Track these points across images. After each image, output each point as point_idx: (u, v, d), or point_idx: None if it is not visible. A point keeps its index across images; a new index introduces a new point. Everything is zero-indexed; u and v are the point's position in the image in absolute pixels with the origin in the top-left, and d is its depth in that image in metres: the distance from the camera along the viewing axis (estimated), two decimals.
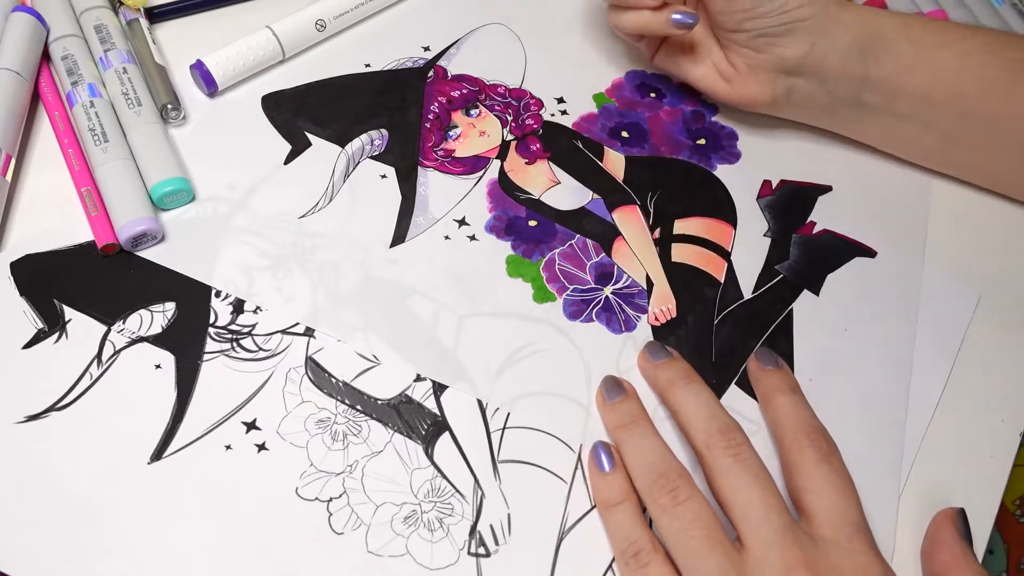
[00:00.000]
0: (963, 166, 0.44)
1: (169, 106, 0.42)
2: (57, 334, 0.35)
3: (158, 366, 0.35)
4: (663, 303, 0.39)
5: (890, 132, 0.43)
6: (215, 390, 0.34)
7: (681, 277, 0.40)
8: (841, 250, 0.42)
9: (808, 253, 0.42)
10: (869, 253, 0.42)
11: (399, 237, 0.40)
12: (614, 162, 0.44)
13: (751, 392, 0.37)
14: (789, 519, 0.30)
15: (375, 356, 0.36)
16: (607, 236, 0.41)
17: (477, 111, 0.45)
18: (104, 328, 0.36)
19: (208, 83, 0.43)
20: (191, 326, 0.36)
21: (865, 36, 0.40)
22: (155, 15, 0.47)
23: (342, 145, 0.43)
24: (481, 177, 0.43)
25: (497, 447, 0.34)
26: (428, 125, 0.45)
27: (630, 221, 0.42)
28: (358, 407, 0.35)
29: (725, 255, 0.41)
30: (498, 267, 0.40)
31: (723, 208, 0.43)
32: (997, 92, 0.40)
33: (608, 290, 0.39)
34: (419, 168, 0.43)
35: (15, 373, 0.34)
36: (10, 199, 0.39)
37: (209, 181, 0.41)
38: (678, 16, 0.39)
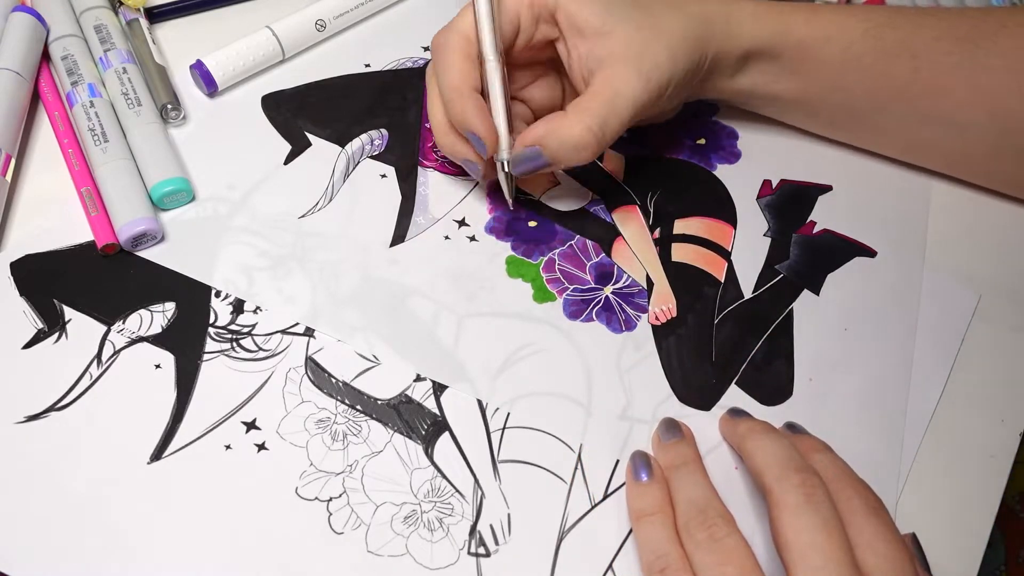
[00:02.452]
0: (851, 139, 0.45)
1: (169, 106, 0.42)
2: (57, 334, 0.35)
3: (158, 366, 0.35)
4: (663, 303, 0.39)
5: (780, 115, 0.45)
6: (215, 390, 0.34)
7: (681, 277, 0.40)
8: (841, 250, 0.42)
9: (808, 253, 0.42)
10: (869, 253, 0.42)
11: (399, 237, 0.40)
12: (614, 162, 0.44)
13: (752, 392, 0.37)
14: (849, 573, 0.27)
15: (375, 356, 0.36)
16: (607, 236, 0.41)
17: None
18: (104, 328, 0.36)
19: (208, 83, 0.43)
20: (191, 326, 0.36)
21: (751, 52, 0.40)
22: (155, 15, 0.47)
23: (342, 145, 0.43)
24: None
25: (497, 447, 0.34)
26: (428, 125, 0.44)
27: (630, 221, 0.42)
28: (358, 407, 0.35)
29: (725, 255, 0.41)
30: (498, 267, 0.40)
31: (723, 208, 0.43)
32: (875, 77, 0.40)
33: (608, 290, 0.39)
34: (419, 168, 0.43)
35: (15, 373, 0.34)
36: (10, 199, 0.39)
37: (209, 181, 0.41)
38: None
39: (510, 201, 0.40)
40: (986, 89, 0.39)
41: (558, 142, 0.36)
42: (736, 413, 0.35)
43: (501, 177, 0.39)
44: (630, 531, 0.33)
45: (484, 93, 0.37)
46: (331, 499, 0.32)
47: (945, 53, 0.39)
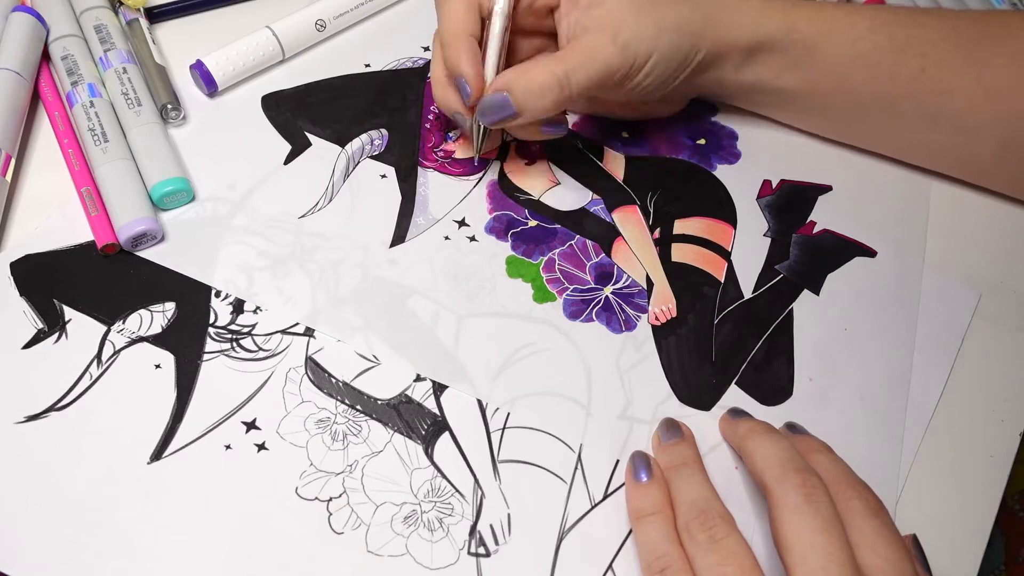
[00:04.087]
0: (856, 140, 0.45)
1: (169, 106, 0.42)
2: (57, 334, 0.35)
3: (158, 366, 0.35)
4: (663, 303, 0.39)
5: (785, 114, 0.45)
6: (215, 390, 0.34)
7: (681, 277, 0.40)
8: (841, 250, 0.42)
9: (808, 253, 0.42)
10: (869, 253, 0.42)
11: (399, 237, 0.40)
12: (614, 162, 0.44)
13: (752, 392, 0.37)
14: (850, 574, 0.27)
15: (375, 356, 0.36)
16: (607, 236, 0.41)
17: None
18: (104, 328, 0.36)
19: (208, 83, 0.43)
20: (191, 326, 0.36)
21: (756, 46, 0.40)
22: (155, 15, 0.47)
23: (342, 145, 0.43)
24: (481, 178, 0.43)
25: (497, 447, 0.34)
26: (428, 126, 0.45)
27: (630, 221, 0.42)
28: (358, 407, 0.35)
29: (725, 255, 0.41)
30: (498, 267, 0.40)
31: (723, 208, 0.43)
32: (882, 74, 0.40)
33: (608, 290, 0.39)
34: (419, 168, 0.43)
35: (15, 373, 0.34)
36: (10, 199, 0.39)
37: (209, 181, 0.41)
38: (548, 127, 0.39)
39: (476, 155, 0.41)
40: (994, 91, 0.39)
41: (524, 87, 0.36)
42: (736, 413, 0.35)
43: (473, 129, 0.40)
44: (630, 531, 0.33)
45: (482, 46, 0.38)
46: (331, 499, 0.32)
47: (952, 52, 0.39)
